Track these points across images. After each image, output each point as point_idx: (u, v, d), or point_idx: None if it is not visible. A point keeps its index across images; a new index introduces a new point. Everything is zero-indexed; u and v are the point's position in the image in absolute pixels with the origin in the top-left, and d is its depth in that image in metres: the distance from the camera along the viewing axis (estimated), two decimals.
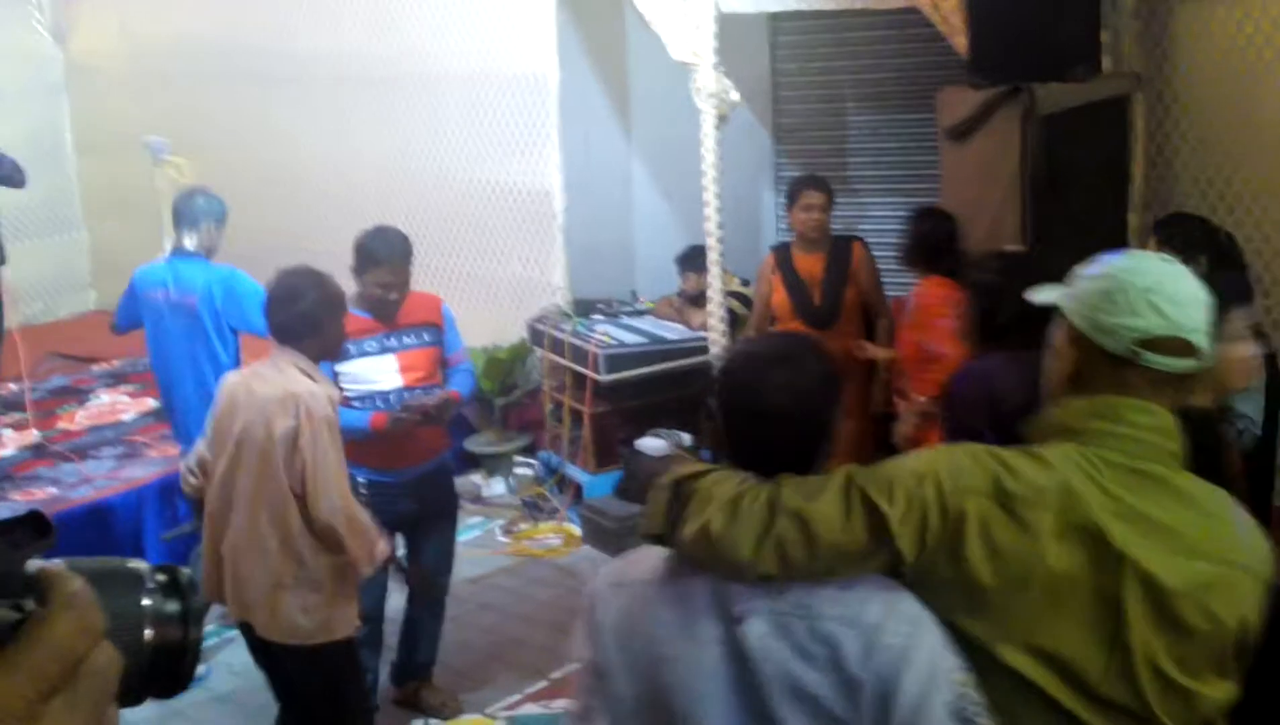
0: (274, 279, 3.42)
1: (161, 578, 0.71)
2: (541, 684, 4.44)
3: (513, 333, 6.52)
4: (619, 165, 6.83)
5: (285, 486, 3.23)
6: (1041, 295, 1.85)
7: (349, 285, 3.76)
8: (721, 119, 5.20)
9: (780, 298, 5.06)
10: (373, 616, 3.90)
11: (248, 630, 3.42)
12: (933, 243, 4.48)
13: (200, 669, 3.24)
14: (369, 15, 7.12)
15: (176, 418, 4.76)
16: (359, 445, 3.73)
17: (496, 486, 6.29)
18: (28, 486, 5.45)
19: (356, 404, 3.90)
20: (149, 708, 0.95)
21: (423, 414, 3.92)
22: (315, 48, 7.37)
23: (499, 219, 6.80)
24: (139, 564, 0.72)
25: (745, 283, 6.04)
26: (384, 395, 3.96)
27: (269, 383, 3.29)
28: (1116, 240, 4.29)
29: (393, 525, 3.76)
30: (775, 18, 6.34)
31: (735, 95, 5.20)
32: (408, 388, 3.98)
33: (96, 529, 5.02)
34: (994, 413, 2.68)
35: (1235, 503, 1.76)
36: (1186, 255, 3.12)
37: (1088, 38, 4.13)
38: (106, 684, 0.65)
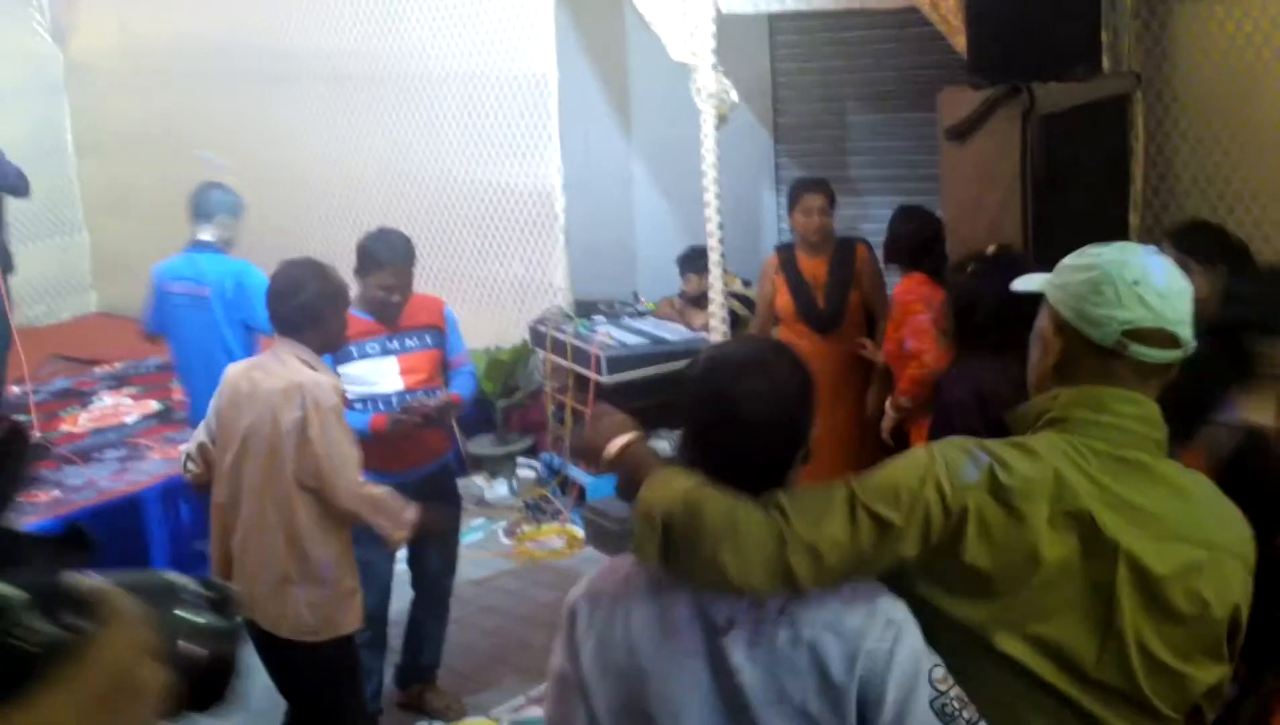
0: (276, 271, 3.43)
1: (200, 590, 0.72)
2: (545, 686, 4.44)
3: (514, 334, 6.53)
4: (619, 165, 6.83)
5: (291, 479, 3.24)
6: (1027, 284, 1.86)
7: (350, 286, 3.76)
8: (721, 119, 5.20)
9: (784, 300, 5.05)
10: (377, 619, 3.91)
11: (252, 626, 3.43)
12: (917, 242, 4.53)
13: None
14: (369, 15, 7.12)
15: (193, 409, 4.78)
16: (360, 447, 3.72)
17: (499, 488, 6.29)
18: (31, 489, 5.45)
19: (358, 406, 3.89)
20: None
21: (423, 416, 3.92)
22: (315, 47, 7.38)
23: (499, 220, 6.80)
24: (176, 577, 0.72)
25: (746, 283, 6.05)
26: (385, 398, 3.96)
27: (272, 375, 3.29)
28: (1116, 239, 4.27)
29: None
30: (775, 18, 6.34)
31: (735, 95, 5.20)
32: (409, 390, 3.98)
33: (99, 532, 5.00)
34: (985, 414, 2.70)
35: (1217, 488, 1.77)
36: (1207, 266, 3.12)
37: (1088, 37, 4.12)
38: (154, 700, 0.66)
